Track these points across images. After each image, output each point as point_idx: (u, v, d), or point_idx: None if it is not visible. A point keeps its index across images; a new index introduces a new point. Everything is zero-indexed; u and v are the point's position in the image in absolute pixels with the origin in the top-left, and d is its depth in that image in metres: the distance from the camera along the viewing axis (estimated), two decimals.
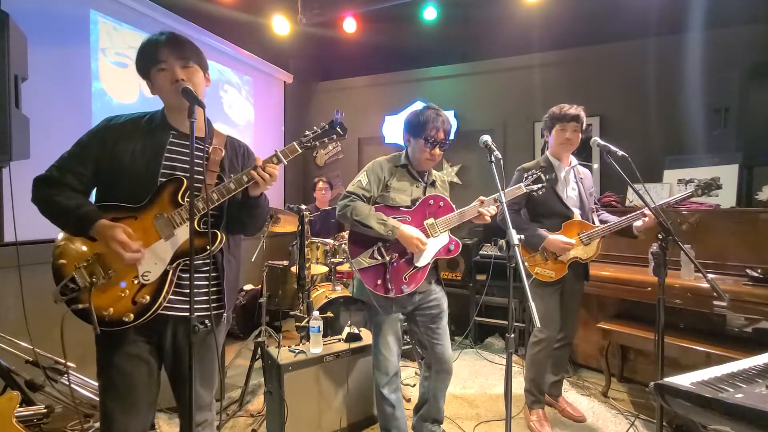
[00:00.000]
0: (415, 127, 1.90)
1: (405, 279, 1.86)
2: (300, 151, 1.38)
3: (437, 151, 1.90)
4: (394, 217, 1.86)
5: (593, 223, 2.32)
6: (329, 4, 4.31)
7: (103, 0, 3.01)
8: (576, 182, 2.34)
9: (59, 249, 1.26)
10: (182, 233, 1.28)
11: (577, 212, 2.29)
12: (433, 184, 2.04)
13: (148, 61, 1.29)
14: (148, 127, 1.34)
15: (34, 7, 2.57)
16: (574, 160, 2.37)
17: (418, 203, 1.92)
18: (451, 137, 1.98)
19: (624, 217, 2.19)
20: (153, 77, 1.31)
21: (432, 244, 1.89)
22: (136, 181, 1.28)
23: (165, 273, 1.26)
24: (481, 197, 1.92)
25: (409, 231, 1.82)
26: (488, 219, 1.88)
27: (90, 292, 1.22)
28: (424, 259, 1.89)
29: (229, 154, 1.43)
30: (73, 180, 1.28)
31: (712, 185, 2.05)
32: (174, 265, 1.28)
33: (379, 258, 1.85)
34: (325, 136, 1.40)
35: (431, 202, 1.93)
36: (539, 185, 1.97)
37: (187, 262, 1.26)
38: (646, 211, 2.06)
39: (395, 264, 1.86)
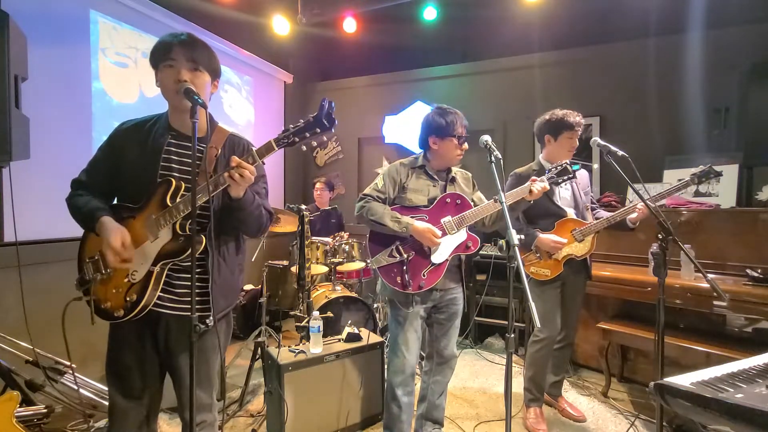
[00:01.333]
0: (443, 129, 1.93)
1: (423, 276, 1.90)
2: (276, 149, 1.26)
3: (465, 145, 1.97)
4: (412, 217, 1.90)
5: (588, 220, 2.32)
6: (329, 4, 4.31)
7: (103, 0, 3.00)
8: (570, 182, 2.34)
9: (81, 245, 1.40)
10: (165, 235, 1.31)
11: (571, 211, 2.29)
12: (453, 181, 2.05)
13: (160, 54, 1.33)
14: (151, 130, 1.38)
15: (34, 7, 2.57)
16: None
17: (435, 202, 1.95)
18: None
19: (616, 212, 2.20)
20: (160, 71, 1.34)
21: (448, 240, 1.91)
22: (138, 183, 1.33)
23: (149, 273, 1.29)
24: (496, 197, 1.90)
25: (422, 225, 1.86)
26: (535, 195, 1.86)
27: (91, 285, 1.33)
28: (441, 256, 1.91)
29: (227, 153, 1.41)
30: (93, 183, 1.40)
31: (710, 173, 2.03)
32: (158, 265, 1.30)
33: (398, 256, 1.91)
34: (306, 130, 1.25)
35: (448, 200, 1.96)
36: (566, 177, 1.93)
37: (176, 262, 1.32)
38: (639, 205, 2.07)
39: (413, 261, 1.90)
